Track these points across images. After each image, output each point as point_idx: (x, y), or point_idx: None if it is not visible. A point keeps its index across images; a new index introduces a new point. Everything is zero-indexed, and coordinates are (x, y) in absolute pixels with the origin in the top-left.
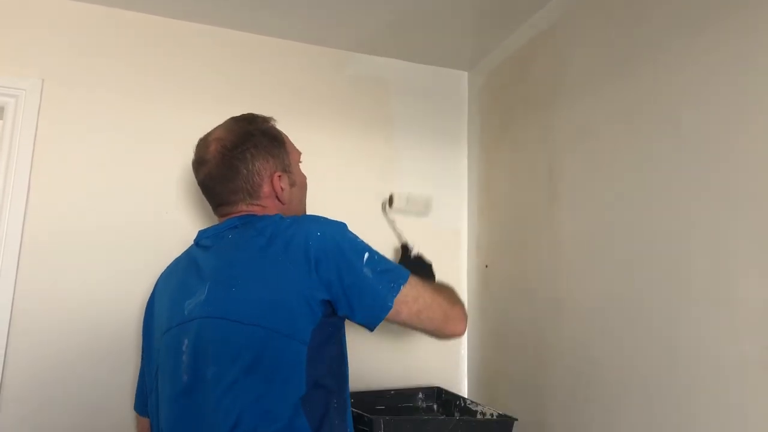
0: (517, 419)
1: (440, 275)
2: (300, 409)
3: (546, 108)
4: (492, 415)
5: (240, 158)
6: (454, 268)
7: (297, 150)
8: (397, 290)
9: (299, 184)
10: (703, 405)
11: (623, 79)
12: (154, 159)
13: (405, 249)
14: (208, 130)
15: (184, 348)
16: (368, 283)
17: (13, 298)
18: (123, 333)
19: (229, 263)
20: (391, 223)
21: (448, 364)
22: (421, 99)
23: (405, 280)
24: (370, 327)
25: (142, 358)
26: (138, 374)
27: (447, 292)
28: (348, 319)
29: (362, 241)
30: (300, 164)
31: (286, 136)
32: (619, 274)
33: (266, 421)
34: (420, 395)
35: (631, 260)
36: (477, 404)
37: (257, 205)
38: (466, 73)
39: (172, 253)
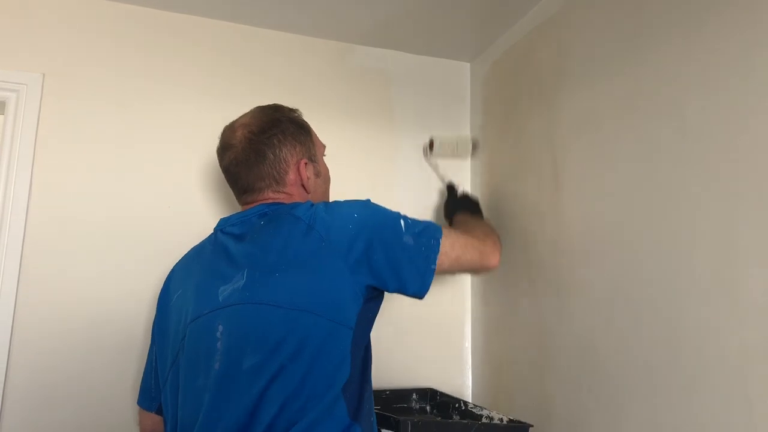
0: (532, 425)
1: None
2: (340, 395)
3: (549, 98)
4: (501, 420)
5: (267, 143)
6: None
7: (321, 143)
8: (438, 247)
9: (323, 176)
10: (708, 397)
11: (627, 68)
12: (156, 154)
13: (451, 189)
14: (210, 123)
15: (218, 335)
16: (413, 252)
17: (17, 294)
18: (127, 330)
19: (267, 249)
20: (434, 167)
21: (452, 359)
22: (423, 90)
23: (440, 233)
24: (422, 294)
25: (151, 352)
26: (144, 369)
27: (478, 229)
28: (400, 292)
29: (390, 211)
30: (324, 157)
31: (312, 130)
32: (623, 265)
33: (308, 409)
34: (414, 396)
35: (636, 251)
36: (481, 408)
37: (283, 192)
38: (468, 64)
39: (177, 249)
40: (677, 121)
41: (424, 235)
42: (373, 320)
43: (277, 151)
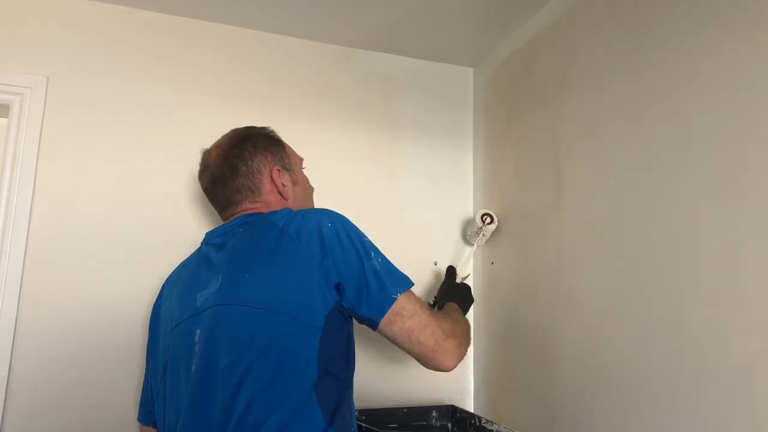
0: None
1: (444, 271)
2: (313, 397)
3: (552, 104)
4: None
5: (239, 156)
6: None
7: (298, 156)
8: (400, 291)
9: (302, 184)
10: (712, 405)
11: (630, 74)
12: (159, 157)
13: (451, 271)
14: (214, 126)
15: (196, 338)
16: (376, 276)
17: (20, 296)
18: (129, 336)
19: (242, 253)
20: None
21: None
22: (426, 95)
23: (407, 287)
24: (376, 321)
25: (147, 365)
26: (143, 383)
27: (449, 322)
28: (353, 313)
29: (368, 239)
30: (303, 170)
31: (287, 144)
32: (626, 271)
33: (278, 408)
34: (434, 413)
35: (639, 258)
36: (492, 423)
37: (261, 202)
38: (471, 69)
39: (179, 251)
40: (681, 128)
41: (392, 276)
42: (349, 327)
43: (249, 162)
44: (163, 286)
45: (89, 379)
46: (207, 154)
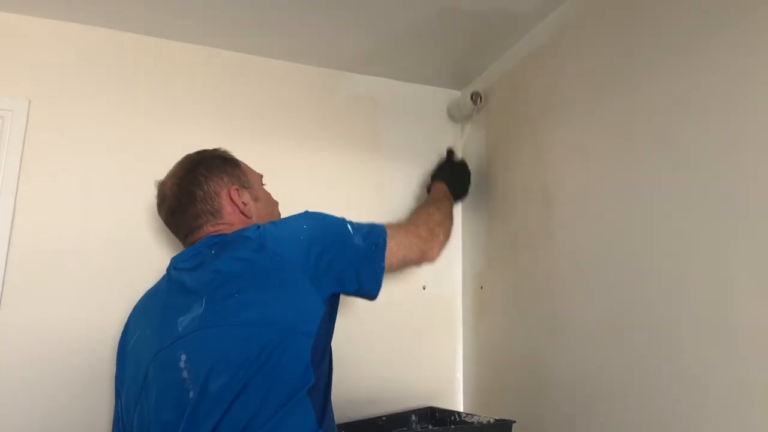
0: (515, 421)
1: (433, 296)
2: (308, 401)
3: (540, 126)
4: (489, 421)
5: (194, 182)
6: (449, 289)
7: (257, 172)
8: (385, 246)
9: (264, 200)
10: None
11: (618, 96)
12: (142, 181)
13: (450, 153)
14: (197, 148)
15: (182, 364)
16: (364, 252)
17: None
18: (106, 358)
19: (222, 274)
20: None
21: (443, 387)
22: (411, 118)
23: (386, 234)
24: (375, 293)
25: (116, 406)
26: (113, 420)
27: (431, 220)
28: (357, 294)
29: (334, 216)
30: (264, 186)
31: (242, 162)
32: (616, 294)
33: (274, 417)
34: (413, 417)
35: (630, 280)
36: (473, 415)
37: (223, 224)
38: (458, 92)
39: (162, 272)
40: (669, 150)
41: (371, 236)
42: (333, 326)
43: (205, 186)
44: (129, 318)
45: (65, 407)
46: (162, 185)
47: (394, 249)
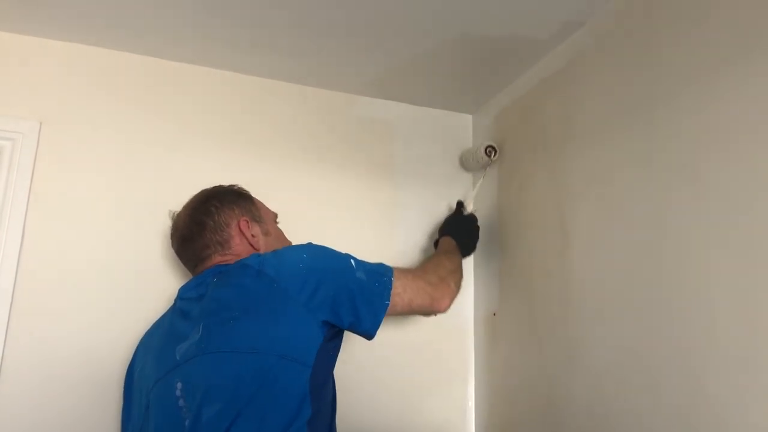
0: None
1: (445, 321)
2: (305, 430)
3: (556, 152)
4: None
5: (205, 212)
6: (460, 315)
7: (271, 210)
8: (390, 286)
9: (275, 236)
10: None
11: (638, 124)
12: (153, 204)
13: (459, 205)
14: (209, 173)
15: (178, 393)
16: (366, 287)
17: (5, 340)
18: (116, 378)
19: (220, 301)
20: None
21: (454, 417)
22: (425, 142)
23: (392, 273)
24: (372, 332)
25: (123, 422)
26: None
27: (441, 269)
28: (352, 329)
29: (339, 251)
30: (278, 224)
31: (257, 198)
32: (634, 327)
33: None
34: None
35: (649, 313)
36: None
37: (230, 254)
38: (470, 116)
39: (170, 298)
40: (691, 179)
41: (375, 272)
42: (335, 359)
43: (216, 217)
44: (137, 349)
45: (75, 416)
46: (177, 217)
47: (399, 290)
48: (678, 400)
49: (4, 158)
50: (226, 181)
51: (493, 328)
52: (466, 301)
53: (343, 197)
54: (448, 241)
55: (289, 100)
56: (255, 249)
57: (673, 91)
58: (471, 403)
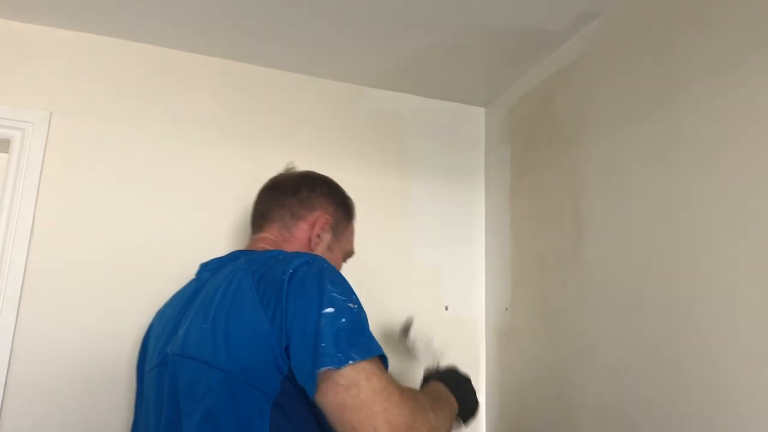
0: None
1: (455, 317)
2: None
3: (570, 145)
4: None
5: (309, 186)
6: (472, 310)
7: (353, 244)
8: (365, 355)
9: (334, 259)
10: None
11: (656, 116)
12: (162, 194)
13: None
14: (220, 164)
15: (165, 391)
16: (323, 331)
17: (15, 332)
18: (126, 369)
19: (210, 298)
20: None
21: None
22: (436, 135)
23: (377, 352)
24: (310, 389)
25: (135, 411)
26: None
27: (428, 405)
28: (293, 371)
29: (353, 297)
30: (346, 261)
31: (354, 224)
32: (651, 323)
33: None
34: None
35: (667, 309)
36: None
37: (287, 233)
38: (483, 109)
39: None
40: (710, 173)
41: (357, 334)
42: (314, 409)
43: (313, 196)
44: (153, 320)
45: (84, 414)
46: (288, 170)
47: (367, 373)
48: (697, 396)
49: (14, 148)
50: (234, 171)
51: (505, 322)
52: (478, 295)
53: (352, 190)
54: (440, 387)
55: (299, 92)
56: (309, 248)
57: (692, 82)
58: (482, 398)
